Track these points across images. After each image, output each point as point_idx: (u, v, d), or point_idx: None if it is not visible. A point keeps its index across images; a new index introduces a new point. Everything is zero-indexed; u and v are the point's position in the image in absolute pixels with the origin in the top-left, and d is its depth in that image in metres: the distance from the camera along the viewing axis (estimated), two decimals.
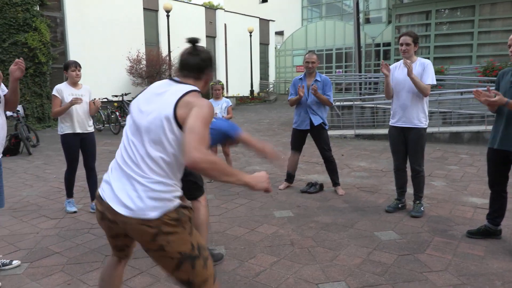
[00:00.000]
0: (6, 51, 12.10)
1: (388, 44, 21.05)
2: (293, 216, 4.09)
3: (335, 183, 4.96)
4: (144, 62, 15.99)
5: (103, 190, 1.74)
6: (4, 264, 3.00)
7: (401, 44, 3.86)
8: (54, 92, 4.11)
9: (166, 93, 1.73)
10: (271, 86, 26.05)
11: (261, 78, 25.50)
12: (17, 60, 2.77)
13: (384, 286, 2.66)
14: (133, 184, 1.65)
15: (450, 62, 16.05)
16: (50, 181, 5.85)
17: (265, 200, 4.66)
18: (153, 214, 1.61)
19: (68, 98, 4.09)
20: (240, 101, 21.80)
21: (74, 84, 4.21)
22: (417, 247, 3.28)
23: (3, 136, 2.82)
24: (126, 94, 13.10)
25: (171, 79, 1.82)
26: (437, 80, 4.03)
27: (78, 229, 3.85)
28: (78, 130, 4.19)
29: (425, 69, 3.83)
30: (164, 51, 17.15)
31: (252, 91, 23.27)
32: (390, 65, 4.05)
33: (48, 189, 5.36)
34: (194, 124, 1.57)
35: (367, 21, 25.42)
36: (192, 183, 2.97)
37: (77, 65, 4.19)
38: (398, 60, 4.35)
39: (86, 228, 3.85)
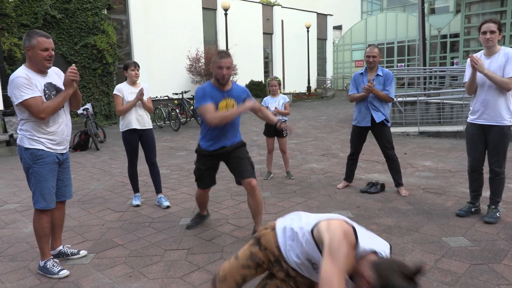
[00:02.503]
0: (78, 53, 12.99)
1: (456, 35, 19.71)
2: (353, 217, 3.91)
3: (398, 183, 4.68)
4: (202, 60, 16.38)
5: None
6: (72, 254, 3.18)
7: (484, 32, 3.48)
8: (115, 92, 4.31)
9: None
10: (328, 82, 25.53)
11: (318, 74, 25.08)
12: (70, 68, 2.81)
13: None
14: None
15: None
16: (115, 175, 6.15)
17: (323, 199, 4.52)
18: None
19: (128, 97, 4.27)
20: (296, 97, 21.61)
21: (133, 83, 4.38)
22: (492, 256, 2.98)
23: (68, 132, 2.97)
24: (185, 92, 13.50)
25: None
26: None
27: (140, 222, 3.99)
28: (137, 127, 4.34)
29: (508, 59, 3.42)
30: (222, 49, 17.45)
31: (309, 88, 22.97)
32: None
33: (114, 183, 5.64)
34: None
35: (432, 11, 23.99)
36: (250, 163, 3.36)
37: (136, 65, 4.35)
38: (468, 52, 3.96)
39: (147, 222, 3.98)
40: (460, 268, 2.81)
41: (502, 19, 15.63)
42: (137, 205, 4.49)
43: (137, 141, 4.42)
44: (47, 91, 2.76)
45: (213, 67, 3.18)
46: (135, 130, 4.35)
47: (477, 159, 3.75)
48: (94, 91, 13.22)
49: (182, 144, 9.13)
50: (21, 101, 2.64)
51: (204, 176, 3.52)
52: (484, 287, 2.54)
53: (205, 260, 3.09)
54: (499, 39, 3.50)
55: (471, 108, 3.75)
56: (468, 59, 3.59)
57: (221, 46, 17.91)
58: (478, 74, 3.52)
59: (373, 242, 1.63)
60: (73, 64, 2.87)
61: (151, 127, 4.53)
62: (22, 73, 2.68)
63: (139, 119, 4.36)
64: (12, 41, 11.14)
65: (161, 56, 15.74)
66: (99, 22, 13.12)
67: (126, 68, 4.36)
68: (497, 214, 3.67)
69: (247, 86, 18.72)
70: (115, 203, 4.67)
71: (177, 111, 11.89)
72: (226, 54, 3.17)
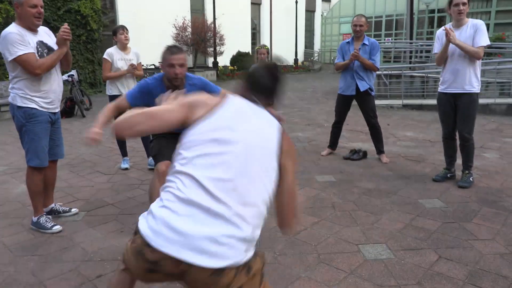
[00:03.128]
0: (61, 18, 12.60)
1: (444, 11, 19.73)
2: (335, 181, 4.09)
3: (380, 150, 4.86)
4: (189, 29, 16.10)
5: None
6: (64, 211, 3.28)
7: (457, 4, 3.61)
8: (105, 56, 4.28)
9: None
10: (316, 55, 25.43)
11: (306, 47, 24.94)
12: (63, 27, 2.82)
13: (426, 250, 2.64)
14: None
15: None
16: (103, 141, 6.17)
17: (307, 165, 4.67)
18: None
19: (118, 63, 4.26)
20: (284, 69, 21.40)
21: (124, 48, 4.35)
22: (464, 216, 3.19)
23: (60, 92, 3.02)
24: None
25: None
26: (496, 48, 3.80)
27: (129, 184, 4.08)
28: (124, 92, 4.35)
29: (477, 30, 3.59)
30: (209, 19, 17.14)
31: (296, 60, 22.87)
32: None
33: (101, 148, 5.68)
34: None
35: None
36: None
37: (124, 29, 4.31)
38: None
39: (136, 184, 4.08)
40: (433, 226, 3.02)
41: None
42: (126, 168, 4.58)
43: None
44: (39, 49, 2.78)
45: (163, 66, 2.69)
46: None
47: (450, 126, 3.95)
48: (79, 58, 12.94)
49: None
50: (15, 56, 2.65)
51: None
52: (453, 242, 2.75)
53: None
54: (467, 11, 3.65)
55: (441, 78, 3.91)
56: (438, 31, 3.76)
57: (209, 15, 17.58)
58: (449, 45, 3.66)
59: None
60: (65, 24, 2.88)
61: None
62: (14, 29, 2.68)
63: (126, 84, 4.38)
64: None
65: (147, 24, 15.38)
66: None
67: (115, 33, 4.32)
68: (471, 179, 3.89)
69: (234, 57, 18.55)
70: (104, 167, 4.75)
71: None
72: (177, 49, 2.68)
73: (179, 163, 1.46)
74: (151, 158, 4.55)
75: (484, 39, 3.57)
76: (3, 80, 9.94)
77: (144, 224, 1.36)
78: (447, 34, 3.51)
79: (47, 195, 3.20)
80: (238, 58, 18.45)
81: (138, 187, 3.98)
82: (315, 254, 2.62)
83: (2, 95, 8.84)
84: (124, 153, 4.68)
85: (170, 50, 2.65)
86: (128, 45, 4.42)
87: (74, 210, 3.32)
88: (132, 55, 4.42)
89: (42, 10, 2.77)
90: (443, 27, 3.64)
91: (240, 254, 1.33)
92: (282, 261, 2.53)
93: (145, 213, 1.43)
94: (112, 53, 4.30)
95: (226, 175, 1.39)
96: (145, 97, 2.64)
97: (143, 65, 4.47)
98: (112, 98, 4.38)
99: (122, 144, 4.63)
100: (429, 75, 10.25)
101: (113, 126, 1.54)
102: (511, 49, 11.67)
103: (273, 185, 1.49)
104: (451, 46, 3.65)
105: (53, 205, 3.26)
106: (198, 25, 16.07)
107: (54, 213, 3.24)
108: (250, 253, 1.38)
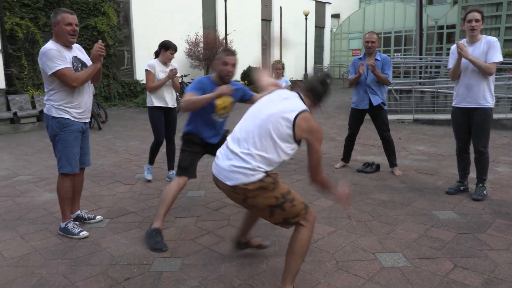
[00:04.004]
0: (78, 34, 13.02)
1: (453, 27, 19.90)
2: (349, 193, 4.17)
3: (392, 163, 4.95)
4: (201, 45, 16.44)
5: None
6: (89, 218, 3.41)
7: (470, 21, 3.74)
8: (147, 68, 4.37)
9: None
10: (325, 70, 25.67)
11: (315, 62, 25.20)
12: (98, 44, 3.01)
13: (441, 259, 2.71)
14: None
15: None
16: (121, 152, 6.36)
17: None
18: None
19: (159, 75, 4.39)
20: (294, 85, 21.74)
21: (165, 63, 4.50)
22: (477, 227, 3.26)
23: (90, 103, 3.20)
24: (185, 76, 13.62)
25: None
26: (506, 63, 3.90)
27: (149, 194, 4.22)
28: (166, 105, 4.48)
29: (490, 46, 3.69)
30: (221, 34, 17.49)
31: (306, 75, 23.10)
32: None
33: (120, 160, 5.85)
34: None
35: (430, 2, 24.10)
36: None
37: (176, 50, 4.46)
38: None
39: (157, 194, 4.21)
40: (447, 236, 3.09)
41: (498, 11, 15.84)
42: (149, 180, 4.64)
43: (163, 118, 4.52)
44: (74, 64, 2.97)
45: (218, 64, 3.08)
46: (162, 107, 4.46)
47: (464, 140, 4.03)
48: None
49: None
50: (54, 71, 2.84)
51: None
52: (468, 251, 2.82)
53: (213, 226, 3.34)
54: (481, 27, 3.77)
55: (454, 93, 4.00)
56: (452, 47, 3.88)
57: (220, 31, 17.96)
58: (462, 60, 3.77)
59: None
60: (100, 40, 3.07)
61: (176, 106, 4.66)
62: (52, 46, 2.88)
63: (168, 97, 4.48)
64: (14, 20, 11.16)
65: (160, 39, 15.73)
66: (99, 3, 13.13)
67: (167, 48, 4.39)
68: (484, 192, 3.95)
69: (245, 72, 18.84)
70: (124, 177, 4.89)
71: (177, 94, 12.04)
72: (231, 52, 3.11)
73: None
74: (172, 172, 4.65)
75: (497, 56, 3.67)
76: (22, 93, 10.26)
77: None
78: (461, 49, 3.63)
79: (74, 201, 3.34)
80: (249, 73, 18.72)
81: (158, 197, 4.10)
82: (333, 261, 2.71)
83: (22, 108, 9.12)
84: (151, 161, 4.68)
85: (226, 52, 3.13)
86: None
87: (98, 217, 3.46)
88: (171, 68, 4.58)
89: (77, 28, 2.96)
90: (457, 42, 3.75)
91: (246, 178, 2.08)
92: (302, 267, 2.61)
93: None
94: (154, 65, 4.41)
95: (245, 131, 2.20)
96: (198, 88, 3.10)
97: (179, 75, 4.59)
98: (153, 110, 4.46)
99: (155, 152, 4.64)
100: (439, 90, 10.34)
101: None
102: None
103: (286, 144, 2.14)
104: (464, 61, 3.76)
105: (79, 212, 3.40)
106: (210, 41, 16.41)
107: (80, 220, 3.37)
108: (258, 176, 2.09)
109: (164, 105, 4.47)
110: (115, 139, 7.67)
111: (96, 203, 3.95)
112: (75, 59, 3.01)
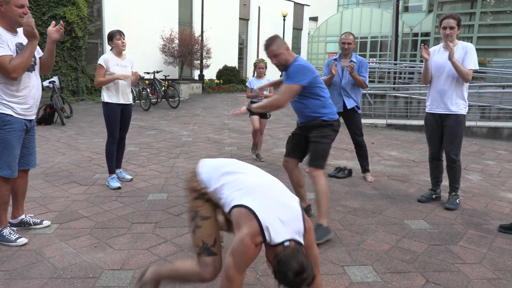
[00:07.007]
0: (46, 24, 12.38)
1: (427, 34, 20.27)
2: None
3: (365, 169, 4.82)
4: (176, 41, 16.03)
5: None
6: (35, 223, 3.08)
7: (445, 28, 3.64)
8: (100, 62, 4.06)
9: None
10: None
11: None
12: (59, 23, 2.76)
13: (413, 274, 2.56)
14: None
15: (494, 54, 15.29)
16: (82, 150, 5.98)
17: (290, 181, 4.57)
18: None
19: (113, 68, 4.08)
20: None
21: (119, 53, 4.18)
22: (450, 238, 3.14)
23: (39, 97, 2.85)
24: (157, 72, 13.21)
25: None
26: (478, 72, 3.87)
27: (106, 196, 3.91)
28: (122, 101, 4.18)
29: (467, 53, 3.61)
30: (197, 31, 17.13)
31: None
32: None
33: (80, 158, 5.48)
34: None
35: (406, 9, 24.53)
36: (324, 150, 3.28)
37: (121, 34, 4.13)
38: None
39: (114, 196, 3.91)
40: (419, 248, 2.95)
41: (471, 20, 16.22)
42: (118, 187, 4.17)
43: (119, 114, 4.21)
44: (18, 51, 2.62)
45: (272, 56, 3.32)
46: (118, 103, 4.17)
47: (437, 146, 3.94)
48: (62, 65, 12.68)
49: (152, 124, 8.97)
50: None
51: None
52: (440, 265, 2.68)
53: (172, 233, 3.08)
54: (457, 34, 3.69)
55: (428, 98, 3.92)
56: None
57: (196, 28, 17.59)
58: (433, 64, 3.75)
59: (282, 223, 1.77)
60: (61, 21, 2.77)
61: (131, 102, 4.37)
62: None
63: (123, 93, 4.19)
64: None
65: (134, 34, 15.26)
66: None
67: (111, 38, 4.10)
68: (457, 201, 3.86)
69: (220, 70, 18.55)
70: (81, 177, 4.55)
71: (148, 90, 11.63)
72: (267, 41, 3.30)
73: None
74: (120, 170, 4.47)
75: (474, 63, 3.59)
76: None
77: None
78: (449, 50, 3.50)
79: (17, 205, 3.01)
80: (224, 72, 18.45)
81: (116, 200, 3.81)
82: None
83: None
84: (112, 170, 4.29)
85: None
86: (123, 52, 4.26)
87: (45, 222, 3.13)
88: (127, 61, 4.28)
89: (28, 11, 2.62)
90: (448, 43, 3.58)
91: None
92: (264, 282, 2.40)
93: None
94: (107, 59, 4.10)
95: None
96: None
97: (135, 71, 4.28)
98: (108, 106, 4.14)
99: (112, 157, 4.28)
100: (412, 96, 10.41)
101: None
102: (492, 74, 11.99)
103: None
104: (437, 66, 3.71)
105: (23, 216, 3.07)
106: (185, 37, 16.02)
107: (24, 225, 3.05)
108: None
109: (116, 101, 4.16)
110: (78, 135, 7.24)
111: (46, 205, 3.61)
112: (20, 46, 2.65)
